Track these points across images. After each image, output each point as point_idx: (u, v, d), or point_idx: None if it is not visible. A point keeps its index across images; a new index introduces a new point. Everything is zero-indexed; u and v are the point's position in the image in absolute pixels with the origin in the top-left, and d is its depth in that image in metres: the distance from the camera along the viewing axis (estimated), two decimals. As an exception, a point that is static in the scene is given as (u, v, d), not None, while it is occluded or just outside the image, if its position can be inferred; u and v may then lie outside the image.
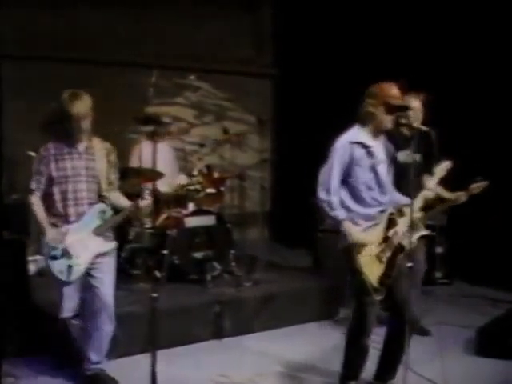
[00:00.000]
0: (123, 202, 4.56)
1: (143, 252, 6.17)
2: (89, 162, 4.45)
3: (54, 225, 4.40)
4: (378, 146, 4.37)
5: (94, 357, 4.56)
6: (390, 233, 4.28)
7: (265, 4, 9.45)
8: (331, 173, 4.26)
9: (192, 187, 6.58)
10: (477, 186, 5.39)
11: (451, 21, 7.14)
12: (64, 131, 4.42)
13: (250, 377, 4.86)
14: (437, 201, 4.94)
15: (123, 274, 5.79)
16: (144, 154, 6.51)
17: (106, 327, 4.49)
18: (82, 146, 4.46)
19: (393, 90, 4.24)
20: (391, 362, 4.54)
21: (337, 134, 4.36)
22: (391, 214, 4.31)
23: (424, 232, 5.43)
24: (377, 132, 4.34)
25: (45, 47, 7.37)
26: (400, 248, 4.28)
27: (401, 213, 4.34)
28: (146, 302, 4.25)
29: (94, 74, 7.56)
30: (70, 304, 4.61)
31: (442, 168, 4.54)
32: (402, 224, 4.31)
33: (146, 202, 4.50)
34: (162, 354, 3.90)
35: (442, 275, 7.37)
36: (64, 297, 4.59)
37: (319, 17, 8.36)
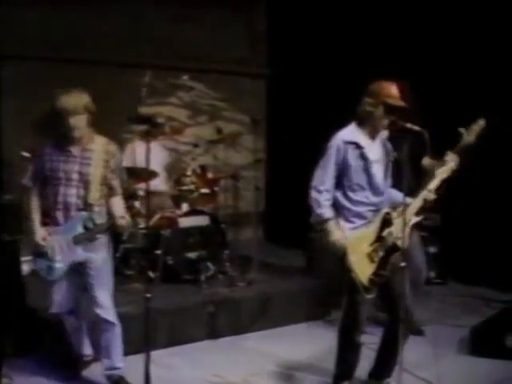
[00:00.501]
0: (117, 211, 4.40)
1: (137, 252, 6.17)
2: (82, 167, 4.33)
3: (46, 224, 4.40)
4: (374, 146, 4.37)
5: (106, 362, 4.55)
6: (385, 232, 4.29)
7: (258, 4, 9.44)
8: (324, 171, 4.28)
9: (186, 187, 6.60)
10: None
11: (443, 20, 7.14)
12: (58, 133, 4.36)
13: (244, 377, 4.86)
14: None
15: (117, 275, 5.76)
16: (137, 153, 6.52)
17: (108, 329, 4.45)
18: (77, 149, 4.34)
19: (393, 90, 4.24)
20: (387, 361, 4.54)
21: (331, 134, 4.36)
22: (387, 213, 4.31)
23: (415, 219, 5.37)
24: (374, 131, 4.34)
25: (40, 47, 7.35)
26: (394, 248, 4.29)
27: (397, 213, 4.34)
28: (140, 302, 4.25)
29: (89, 74, 7.54)
30: (58, 299, 4.52)
31: (446, 169, 4.46)
32: (398, 224, 4.31)
33: (124, 220, 4.34)
34: (156, 355, 3.90)
35: (435, 275, 7.37)
36: (53, 292, 4.51)
37: (313, 17, 8.36)
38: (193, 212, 6.60)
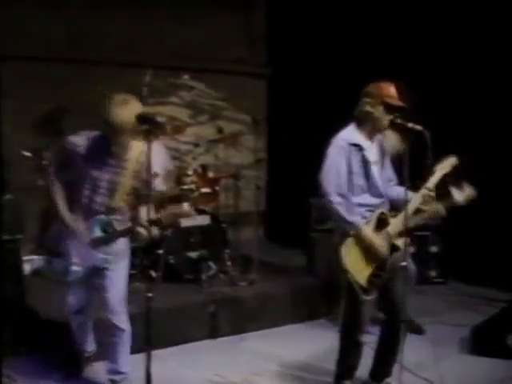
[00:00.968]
0: (140, 219, 4.22)
1: (139, 252, 6.17)
2: (113, 176, 4.19)
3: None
4: (373, 147, 4.37)
5: (110, 365, 4.50)
6: (381, 234, 4.27)
7: (258, 4, 9.44)
8: (338, 174, 4.23)
9: (186, 187, 6.59)
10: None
11: (444, 20, 7.14)
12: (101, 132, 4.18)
13: (245, 376, 4.87)
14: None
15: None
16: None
17: (116, 333, 4.36)
18: (112, 160, 4.18)
19: (391, 90, 4.24)
20: (386, 361, 4.56)
21: (331, 133, 4.35)
22: (381, 213, 4.30)
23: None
24: (373, 132, 4.34)
25: (40, 47, 7.35)
26: (393, 248, 4.28)
27: (395, 213, 4.33)
28: (142, 301, 4.24)
29: (89, 74, 7.55)
30: (71, 300, 4.48)
31: (446, 165, 4.44)
32: (395, 224, 4.30)
33: (143, 229, 4.13)
34: (157, 354, 3.90)
35: (436, 274, 7.37)
36: (68, 293, 4.46)
37: (312, 17, 8.36)
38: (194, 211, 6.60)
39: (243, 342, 5.66)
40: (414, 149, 3.97)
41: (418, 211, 4.38)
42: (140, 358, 4.04)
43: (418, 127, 4.12)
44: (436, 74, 7.13)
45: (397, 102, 4.23)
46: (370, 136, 4.36)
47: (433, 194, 4.37)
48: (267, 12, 9.41)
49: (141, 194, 4.26)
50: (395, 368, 4.37)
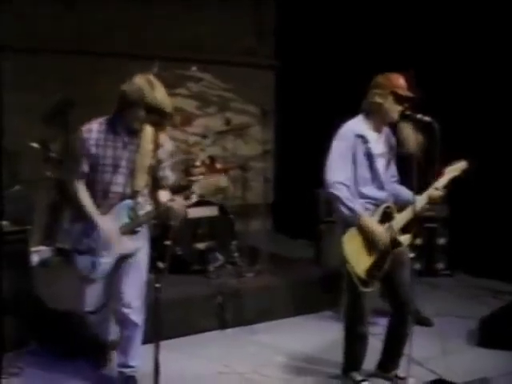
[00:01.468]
0: (161, 200, 4.18)
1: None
2: (130, 154, 4.13)
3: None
4: (379, 140, 4.36)
5: (118, 358, 4.47)
6: (384, 226, 4.27)
7: (267, -5, 9.42)
8: (342, 163, 4.22)
9: (195, 178, 6.58)
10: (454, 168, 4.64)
11: (456, 14, 7.10)
12: (118, 114, 4.09)
13: (252, 367, 4.87)
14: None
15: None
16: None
17: (130, 327, 4.31)
18: (127, 136, 4.12)
19: (400, 81, 4.24)
20: (394, 353, 4.57)
21: (339, 125, 4.35)
22: (387, 207, 4.30)
23: None
24: (382, 123, 4.33)
25: (45, 38, 7.35)
26: (394, 243, 4.27)
27: (400, 208, 4.33)
28: (150, 292, 4.26)
29: (96, 65, 7.55)
30: (93, 298, 4.37)
31: (456, 168, 4.44)
32: (400, 219, 4.29)
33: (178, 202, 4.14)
34: (164, 345, 3.90)
35: (443, 266, 7.35)
36: (88, 290, 4.33)
37: (321, 9, 8.33)
38: (201, 203, 6.60)
39: (250, 333, 5.66)
40: (424, 141, 3.96)
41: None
42: (148, 348, 4.06)
43: (427, 118, 4.11)
44: (446, 66, 7.10)
45: (406, 93, 4.22)
46: (378, 128, 4.35)
47: (441, 193, 4.36)
48: (276, 3, 9.39)
49: (157, 176, 4.20)
50: (403, 360, 4.37)
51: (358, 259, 4.22)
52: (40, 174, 6.71)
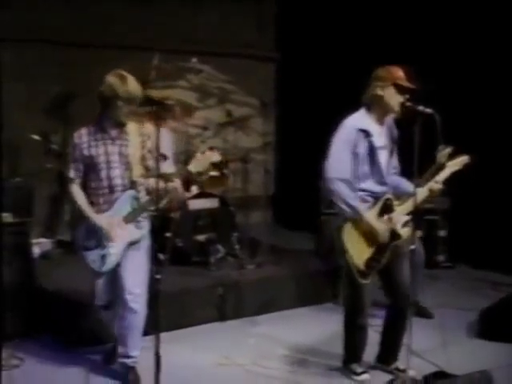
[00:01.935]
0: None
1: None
2: (121, 148, 4.30)
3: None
4: (381, 132, 4.36)
5: (119, 349, 4.47)
6: (384, 218, 4.27)
7: (268, -13, 9.40)
8: (343, 159, 4.22)
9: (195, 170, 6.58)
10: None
11: (456, 8, 7.08)
12: (99, 117, 4.30)
13: (252, 359, 4.88)
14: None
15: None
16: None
17: (128, 316, 4.31)
18: (114, 132, 4.31)
19: (400, 72, 4.24)
20: (392, 345, 4.58)
21: (340, 117, 4.34)
22: (387, 199, 4.30)
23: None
24: (383, 116, 4.33)
25: (45, 30, 7.33)
26: (394, 235, 4.27)
27: (401, 201, 4.32)
28: (150, 284, 4.27)
29: (96, 58, 7.53)
30: (105, 291, 4.46)
31: (457, 162, 4.44)
32: (400, 211, 4.29)
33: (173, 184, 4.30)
34: (165, 337, 3.91)
35: (444, 259, 7.36)
36: (99, 284, 4.43)
37: (322, 1, 8.31)
38: (202, 194, 6.60)
39: (251, 325, 5.67)
40: (424, 132, 3.95)
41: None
42: (148, 340, 4.07)
43: (429, 110, 4.10)
44: (445, 59, 7.09)
45: (407, 84, 4.22)
46: (380, 120, 4.35)
47: (441, 187, 4.36)
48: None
49: (149, 166, 4.34)
50: (403, 352, 4.38)
51: (357, 251, 4.23)
52: (41, 166, 6.71)
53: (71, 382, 4.46)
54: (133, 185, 4.31)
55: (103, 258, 4.24)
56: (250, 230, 7.20)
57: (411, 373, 4.25)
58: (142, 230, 4.34)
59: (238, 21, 8.99)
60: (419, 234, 6.06)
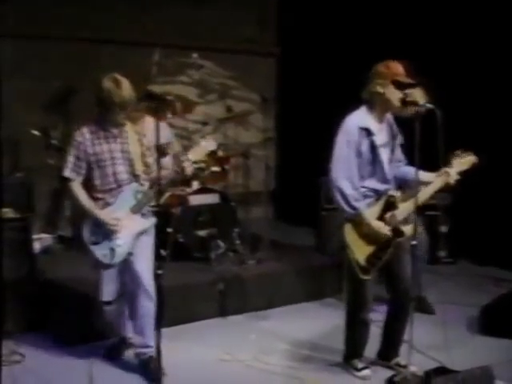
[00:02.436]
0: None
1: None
2: (123, 145, 4.43)
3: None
4: (382, 130, 4.34)
5: (138, 339, 4.52)
6: (387, 215, 4.27)
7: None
8: (347, 159, 4.22)
9: (196, 165, 6.58)
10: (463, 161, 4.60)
11: (457, 2, 7.07)
12: (98, 116, 4.40)
13: (253, 354, 4.88)
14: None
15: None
16: (146, 130, 6.49)
17: (146, 304, 4.36)
18: (115, 130, 4.42)
19: (399, 68, 4.22)
20: (394, 341, 4.58)
21: (341, 113, 4.34)
22: (391, 196, 4.29)
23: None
24: (384, 113, 4.31)
25: (46, 25, 7.32)
26: (397, 232, 4.26)
27: (404, 197, 4.32)
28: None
29: (96, 53, 7.53)
30: (110, 287, 4.54)
31: (465, 162, 4.39)
32: (404, 209, 4.28)
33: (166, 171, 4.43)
34: (166, 332, 3.91)
35: (445, 254, 7.35)
36: (104, 280, 4.52)
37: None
38: (203, 190, 6.60)
39: (252, 320, 5.67)
40: (426, 128, 3.95)
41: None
42: (150, 335, 4.07)
43: (430, 105, 4.09)
44: (443, 58, 7.07)
45: (406, 79, 4.21)
46: (381, 117, 4.34)
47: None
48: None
49: (148, 162, 4.48)
50: (405, 348, 4.38)
51: (359, 246, 4.23)
52: (41, 162, 6.70)
53: (73, 377, 4.45)
54: (136, 178, 4.43)
55: (113, 250, 4.32)
56: (250, 226, 7.19)
57: (412, 368, 4.26)
58: (150, 219, 4.45)
59: (239, 16, 8.98)
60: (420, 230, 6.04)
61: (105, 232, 4.33)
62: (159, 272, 3.76)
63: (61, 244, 6.69)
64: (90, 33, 7.60)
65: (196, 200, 6.48)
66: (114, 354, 4.73)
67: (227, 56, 8.90)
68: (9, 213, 5.27)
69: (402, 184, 4.44)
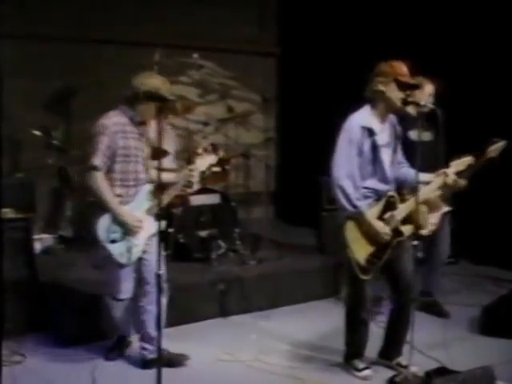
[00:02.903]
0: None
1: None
2: (143, 144, 4.44)
3: None
4: (384, 130, 4.34)
5: (142, 339, 4.51)
6: (386, 215, 4.27)
7: (269, -18, 9.38)
8: (348, 158, 4.21)
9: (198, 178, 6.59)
10: (495, 148, 5.08)
11: (459, 2, 7.07)
12: (129, 110, 4.37)
13: (254, 355, 4.87)
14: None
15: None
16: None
17: (153, 304, 4.26)
18: (141, 128, 4.42)
19: (403, 68, 4.22)
20: (395, 341, 4.58)
21: (341, 112, 4.33)
22: (390, 196, 4.29)
23: (446, 209, 5.41)
24: (386, 112, 4.31)
25: (46, 25, 7.32)
26: (396, 232, 4.26)
27: (404, 197, 4.32)
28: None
29: (96, 53, 7.53)
30: (127, 286, 4.50)
31: (462, 162, 4.44)
32: (403, 209, 4.28)
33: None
34: (167, 332, 3.91)
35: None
36: (122, 279, 4.47)
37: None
38: (204, 190, 6.60)
39: (252, 320, 5.67)
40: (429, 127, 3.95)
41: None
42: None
43: (431, 105, 4.09)
44: (446, 57, 7.07)
45: (409, 80, 4.21)
46: (383, 117, 4.33)
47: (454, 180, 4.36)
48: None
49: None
50: (406, 348, 4.38)
51: (359, 246, 4.23)
52: (42, 162, 6.70)
53: (74, 378, 4.45)
54: (149, 180, 4.45)
55: (130, 249, 4.31)
56: (251, 226, 7.19)
57: (413, 369, 4.26)
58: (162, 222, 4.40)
59: (240, 16, 8.97)
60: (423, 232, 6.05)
61: (124, 231, 4.30)
62: (160, 272, 3.75)
63: (61, 244, 6.68)
64: (90, 33, 7.60)
65: (197, 200, 6.48)
66: (115, 354, 4.73)
67: (227, 56, 8.90)
68: (9, 213, 5.26)
69: (401, 185, 4.43)
